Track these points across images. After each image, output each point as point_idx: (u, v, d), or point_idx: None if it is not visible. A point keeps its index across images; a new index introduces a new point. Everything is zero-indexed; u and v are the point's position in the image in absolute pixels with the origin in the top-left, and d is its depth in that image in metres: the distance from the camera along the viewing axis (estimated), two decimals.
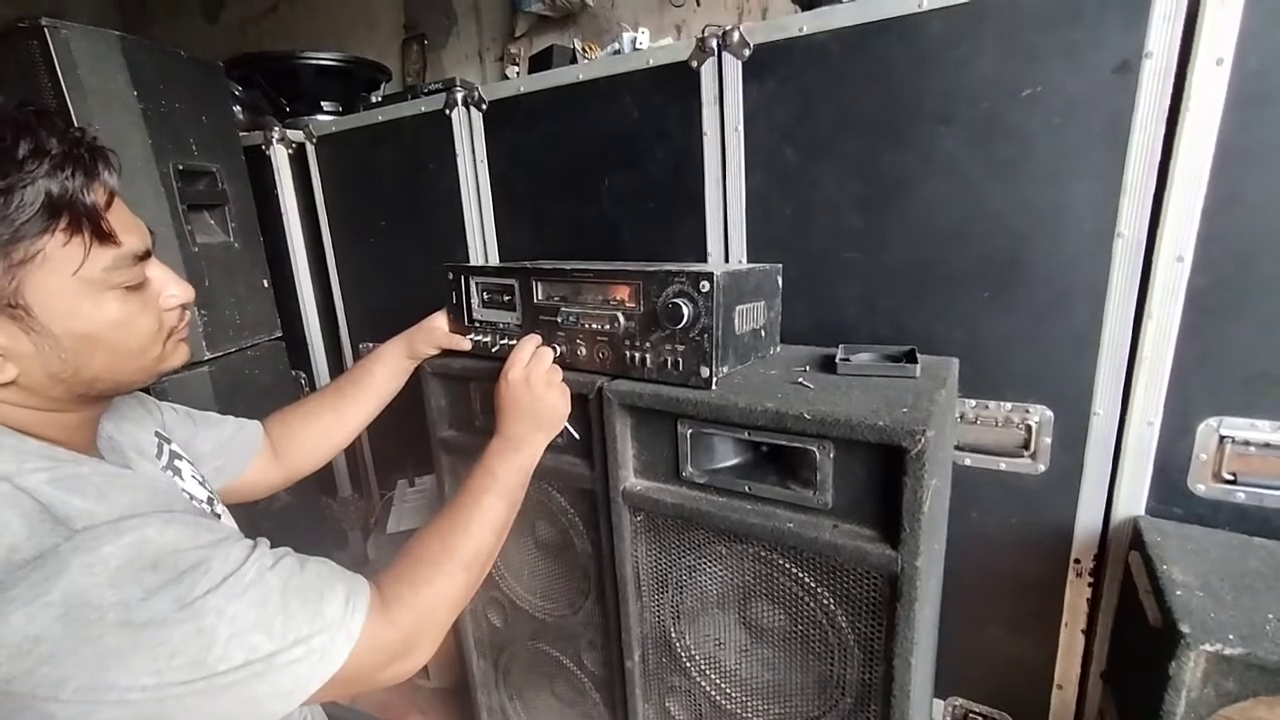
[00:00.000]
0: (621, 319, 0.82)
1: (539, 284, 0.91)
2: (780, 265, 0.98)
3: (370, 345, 1.78)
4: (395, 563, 0.64)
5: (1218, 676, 0.69)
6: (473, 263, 1.42)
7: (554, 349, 0.88)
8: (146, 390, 0.77)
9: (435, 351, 1.03)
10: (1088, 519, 0.95)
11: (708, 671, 0.87)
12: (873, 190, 1.00)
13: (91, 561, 0.43)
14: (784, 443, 0.72)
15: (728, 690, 0.86)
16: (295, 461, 0.92)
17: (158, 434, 0.70)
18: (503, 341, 0.96)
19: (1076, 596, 0.99)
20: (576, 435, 0.89)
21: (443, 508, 0.73)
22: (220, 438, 0.81)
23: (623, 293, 0.83)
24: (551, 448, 0.93)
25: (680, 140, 1.14)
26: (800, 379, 0.80)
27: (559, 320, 0.89)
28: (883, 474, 0.67)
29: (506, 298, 0.96)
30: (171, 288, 0.59)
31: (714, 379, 0.77)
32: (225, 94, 1.56)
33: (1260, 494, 0.85)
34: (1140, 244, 0.83)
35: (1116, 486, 0.93)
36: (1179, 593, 0.75)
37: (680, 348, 0.78)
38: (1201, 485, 0.88)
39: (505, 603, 1.12)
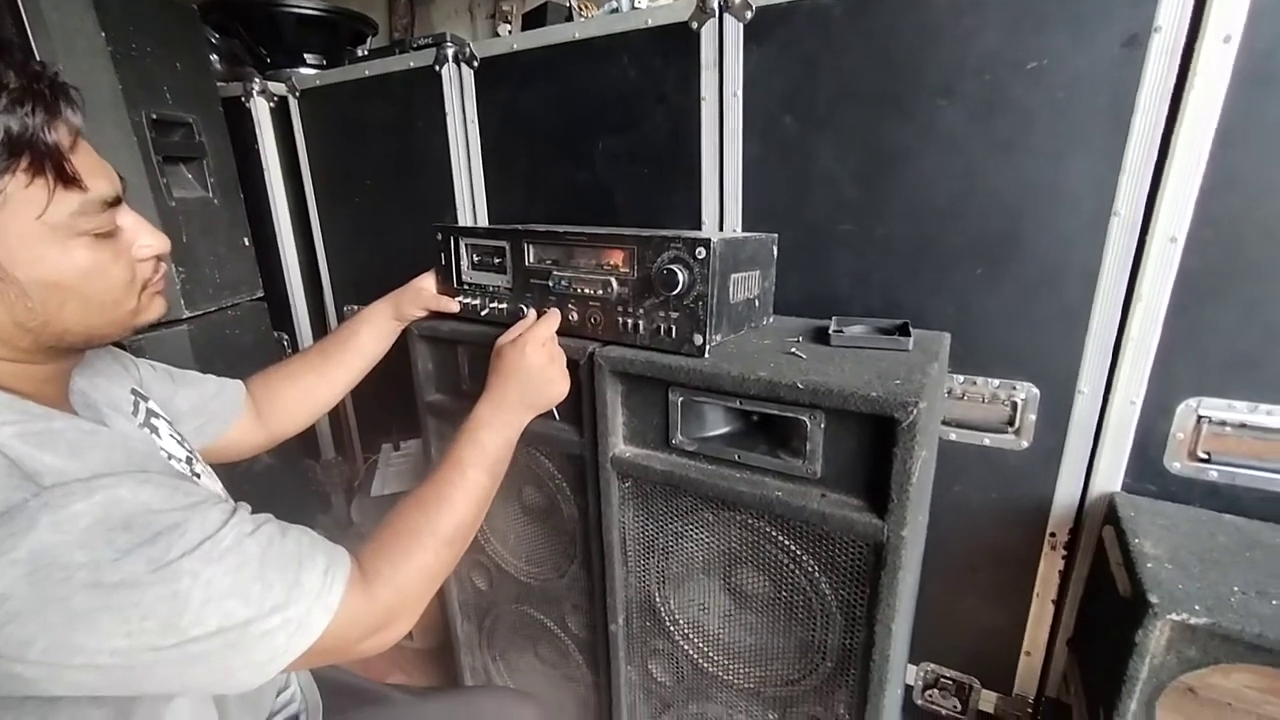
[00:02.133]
0: (615, 284, 0.81)
1: (531, 246, 0.89)
2: (776, 235, 0.96)
3: (355, 308, 1.74)
4: (376, 535, 0.63)
5: (1181, 644, 0.72)
6: (461, 224, 1.39)
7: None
8: (122, 347, 0.75)
9: (423, 314, 1.01)
10: (1065, 495, 0.98)
11: (691, 636, 0.89)
12: (871, 162, 0.99)
13: (60, 519, 0.41)
14: (775, 412, 0.72)
15: (710, 654, 0.87)
16: (278, 422, 0.90)
17: (134, 391, 0.68)
18: (492, 305, 0.95)
19: (1050, 568, 1.02)
20: (557, 417, 0.88)
21: (425, 478, 0.71)
22: (201, 397, 0.79)
23: (617, 258, 0.81)
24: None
25: (677, 104, 1.12)
26: (793, 349, 0.80)
27: (550, 284, 0.87)
28: (872, 445, 0.68)
29: (497, 260, 0.94)
30: (145, 237, 0.57)
31: (707, 347, 0.76)
32: (201, 40, 1.49)
33: (1232, 472, 0.87)
34: (1136, 224, 0.83)
35: (1095, 463, 0.95)
36: (1149, 565, 0.77)
37: (674, 315, 0.77)
38: (1177, 463, 0.90)
39: (490, 566, 1.13)
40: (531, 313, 0.88)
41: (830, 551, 0.73)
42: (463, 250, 0.97)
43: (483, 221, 1.42)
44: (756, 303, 0.91)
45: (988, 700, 1.13)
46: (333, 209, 1.68)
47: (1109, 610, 0.84)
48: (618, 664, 0.96)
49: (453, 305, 0.98)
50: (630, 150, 1.20)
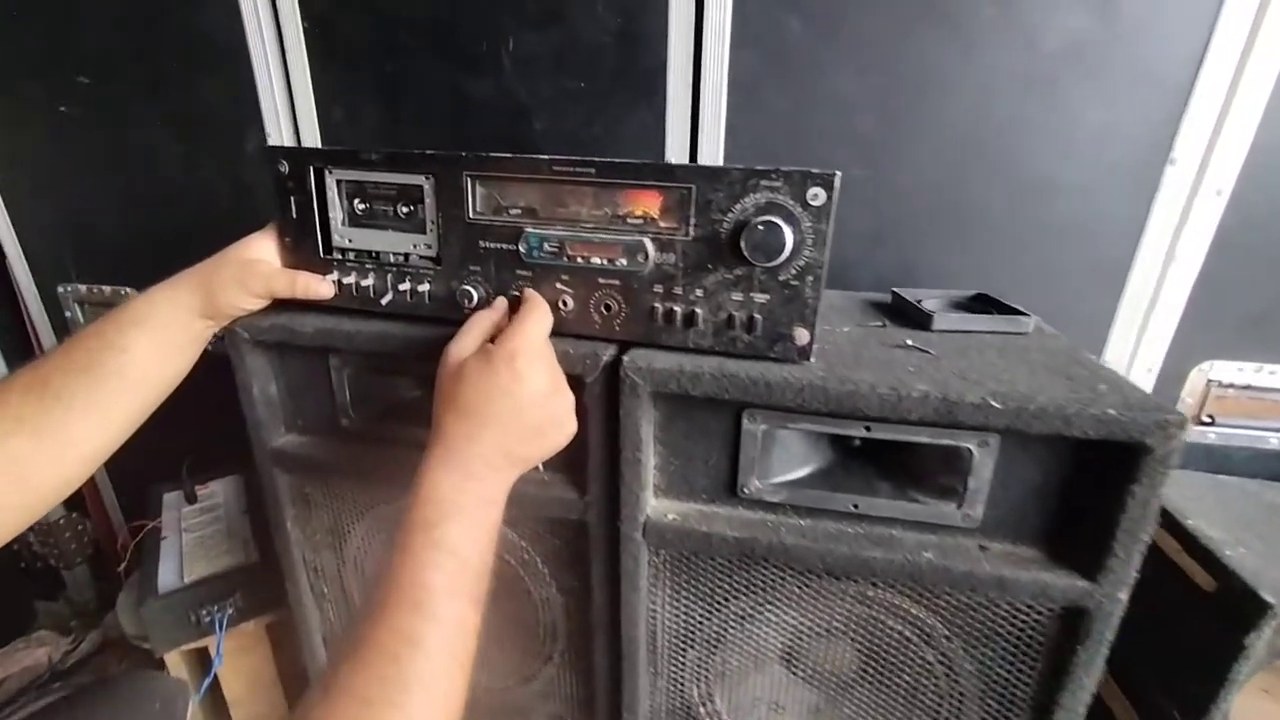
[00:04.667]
0: (650, 249, 0.49)
1: (478, 184, 0.52)
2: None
3: (81, 290, 1.11)
4: None
5: (1275, 636, 0.67)
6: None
7: None
8: None
9: (258, 304, 0.57)
10: None
11: None
12: (895, 86, 0.78)
13: None
14: (926, 440, 0.48)
15: None
16: None
17: None
18: (402, 287, 0.56)
19: None
20: (542, 469, 0.56)
21: (357, 633, 0.38)
22: None
23: (651, 204, 0.49)
24: None
25: None
26: (908, 341, 0.56)
27: (522, 251, 0.51)
28: (1068, 478, 0.48)
29: (407, 208, 0.54)
30: None
31: (813, 346, 0.49)
32: None
33: (1229, 434, 0.86)
34: (1191, 174, 0.74)
35: None
36: (1228, 553, 0.71)
37: (759, 298, 0.48)
38: None
39: None
40: (498, 302, 0.52)
41: (984, 621, 0.52)
42: (333, 191, 0.55)
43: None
44: None
45: None
46: (13, 124, 1.01)
47: (1164, 600, 0.79)
48: None
49: (323, 288, 0.57)
50: (556, 52, 0.84)
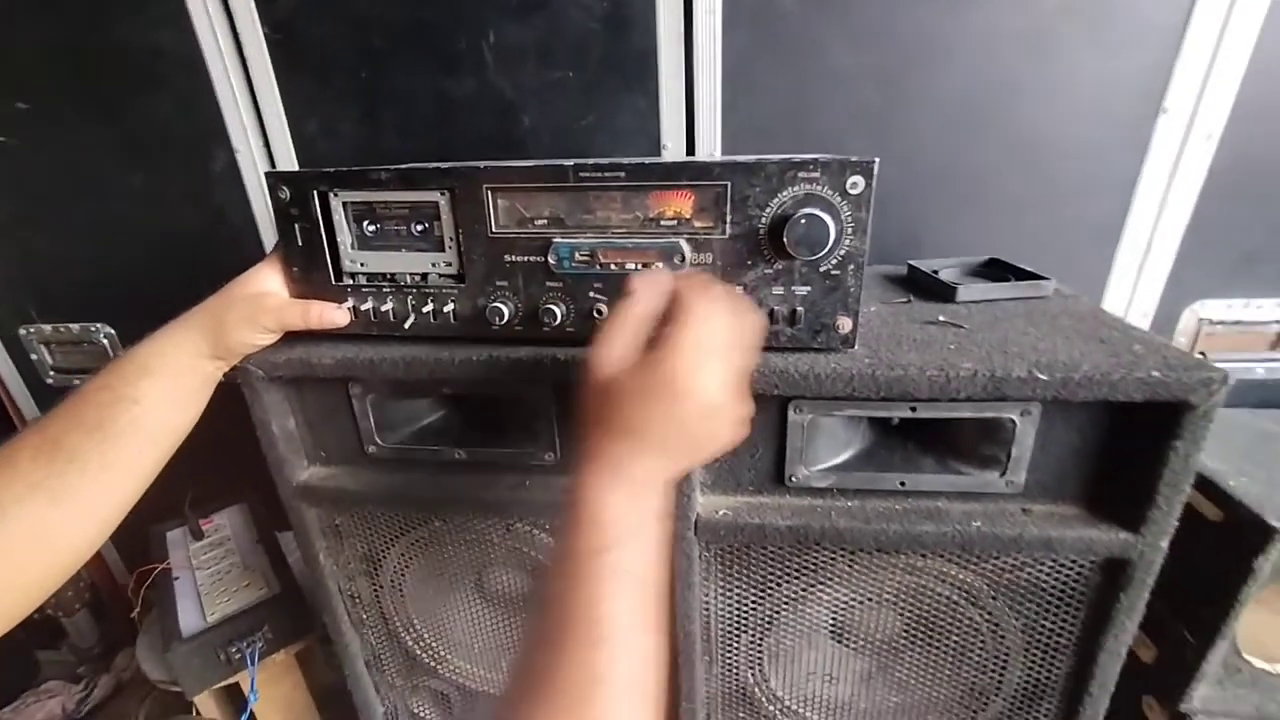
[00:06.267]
0: (686, 250, 0.48)
1: (498, 196, 0.50)
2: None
3: (46, 330, 1.05)
4: None
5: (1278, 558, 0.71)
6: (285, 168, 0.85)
7: None
8: None
9: (268, 340, 0.55)
10: None
11: (805, 713, 0.66)
12: (892, 55, 0.77)
13: None
14: (969, 414, 0.49)
15: None
16: None
17: None
18: (425, 310, 0.54)
19: None
20: None
21: (531, 679, 0.34)
22: None
23: (683, 204, 0.48)
24: (539, 469, 0.58)
25: None
26: (940, 317, 0.57)
27: (551, 262, 0.50)
28: (1109, 437, 0.49)
29: (421, 225, 0.52)
30: None
31: (857, 334, 0.49)
32: None
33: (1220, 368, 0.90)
34: (1184, 122, 0.76)
35: None
36: (1231, 483, 0.74)
37: (802, 290, 0.48)
38: None
39: (448, 692, 0.75)
40: (652, 282, 0.40)
41: (1028, 579, 0.55)
42: (339, 215, 0.53)
43: (287, 164, 0.89)
44: None
45: None
46: None
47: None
48: None
49: (338, 316, 0.55)
50: (541, 43, 0.81)
